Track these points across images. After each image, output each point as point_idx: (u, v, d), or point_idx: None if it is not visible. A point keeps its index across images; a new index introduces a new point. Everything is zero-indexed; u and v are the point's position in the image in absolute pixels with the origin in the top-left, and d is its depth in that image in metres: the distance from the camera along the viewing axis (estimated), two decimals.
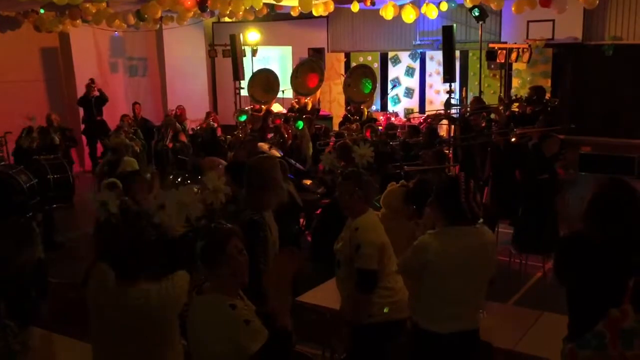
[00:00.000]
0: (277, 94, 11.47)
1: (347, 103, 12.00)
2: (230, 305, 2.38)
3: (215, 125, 11.16)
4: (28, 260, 3.45)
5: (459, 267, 3.01)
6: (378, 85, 11.84)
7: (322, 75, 11.06)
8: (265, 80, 11.21)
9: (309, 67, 11.17)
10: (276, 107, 12.14)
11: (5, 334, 3.32)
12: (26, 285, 3.44)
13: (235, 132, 10.04)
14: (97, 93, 11.67)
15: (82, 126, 11.98)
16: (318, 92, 12.10)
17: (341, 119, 11.57)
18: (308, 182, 7.65)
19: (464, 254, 3.02)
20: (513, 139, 7.11)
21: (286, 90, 12.03)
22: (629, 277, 2.56)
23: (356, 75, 10.62)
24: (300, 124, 9.03)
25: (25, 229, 3.65)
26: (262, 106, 11.31)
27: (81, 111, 12.03)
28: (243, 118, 10.22)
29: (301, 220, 7.06)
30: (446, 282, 3.03)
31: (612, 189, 2.79)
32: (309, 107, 11.68)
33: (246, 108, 11.25)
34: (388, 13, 10.26)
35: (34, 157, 7.90)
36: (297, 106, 11.69)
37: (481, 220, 3.14)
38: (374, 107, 12.36)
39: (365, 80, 10.50)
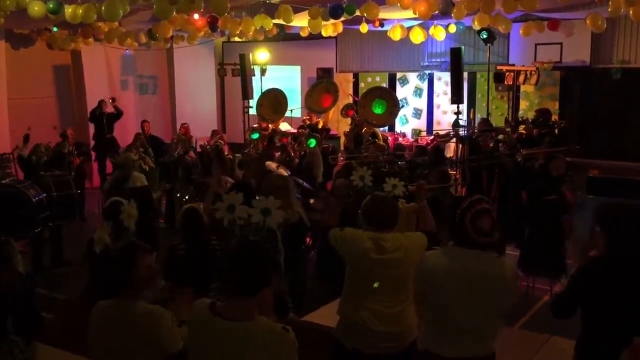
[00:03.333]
0: (284, 114, 11.54)
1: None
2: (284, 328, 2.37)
3: (223, 143, 11.19)
4: (5, 276, 3.46)
5: (456, 286, 2.91)
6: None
7: (335, 97, 11.14)
8: (275, 100, 11.28)
9: (324, 88, 11.25)
10: (284, 126, 12.18)
11: (12, 350, 3.34)
12: (12, 301, 3.45)
13: (247, 151, 10.07)
14: (111, 109, 11.78)
15: (92, 143, 12.08)
16: (331, 113, 12.17)
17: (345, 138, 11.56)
18: (315, 201, 7.66)
19: (462, 275, 2.91)
20: (519, 159, 7.12)
21: (295, 109, 12.09)
22: None
23: (371, 96, 10.67)
24: (313, 141, 9.04)
25: None
26: (270, 125, 11.36)
27: (91, 128, 12.14)
28: (255, 136, 10.24)
29: (308, 239, 7.06)
30: (441, 300, 2.96)
31: (628, 215, 2.78)
32: (320, 125, 11.73)
33: (254, 126, 11.30)
34: (396, 34, 10.35)
35: (40, 173, 7.90)
36: (307, 122, 11.75)
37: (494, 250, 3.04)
38: (381, 128, 12.40)
39: (378, 101, 10.54)
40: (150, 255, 2.76)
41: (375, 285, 3.36)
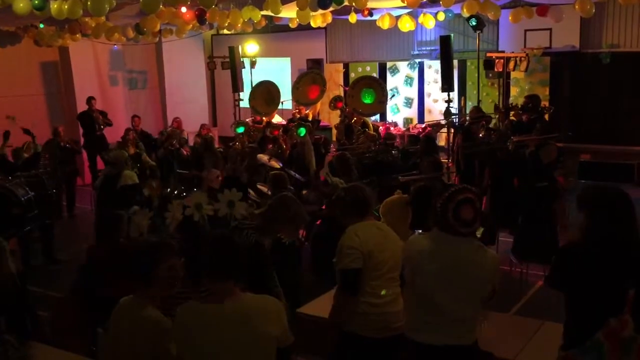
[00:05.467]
0: (278, 106, 11.50)
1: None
2: None
3: (212, 136, 11.14)
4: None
5: (439, 270, 2.98)
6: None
7: (323, 87, 11.08)
8: (267, 92, 11.22)
9: (310, 79, 11.19)
10: (275, 119, 12.15)
11: (5, 348, 3.32)
12: (4, 301, 3.44)
13: (231, 144, 10.00)
14: (100, 107, 11.68)
15: (82, 140, 11.99)
16: (318, 104, 12.15)
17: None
18: (307, 192, 7.64)
19: (446, 259, 2.99)
20: (510, 146, 7.13)
21: (286, 101, 12.07)
22: (628, 287, 2.56)
23: (359, 86, 10.65)
24: (303, 130, 9.01)
25: None
26: (263, 118, 11.33)
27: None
28: (241, 130, 10.18)
29: (301, 231, 7.05)
30: (425, 283, 3.01)
31: (612, 199, 2.78)
32: (310, 117, 11.71)
33: (247, 120, 11.25)
34: (385, 23, 10.31)
35: (17, 174, 7.76)
36: (298, 116, 11.73)
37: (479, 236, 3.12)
38: (372, 117, 12.40)
39: (367, 91, 10.51)
40: (177, 258, 2.73)
41: (383, 292, 3.41)
